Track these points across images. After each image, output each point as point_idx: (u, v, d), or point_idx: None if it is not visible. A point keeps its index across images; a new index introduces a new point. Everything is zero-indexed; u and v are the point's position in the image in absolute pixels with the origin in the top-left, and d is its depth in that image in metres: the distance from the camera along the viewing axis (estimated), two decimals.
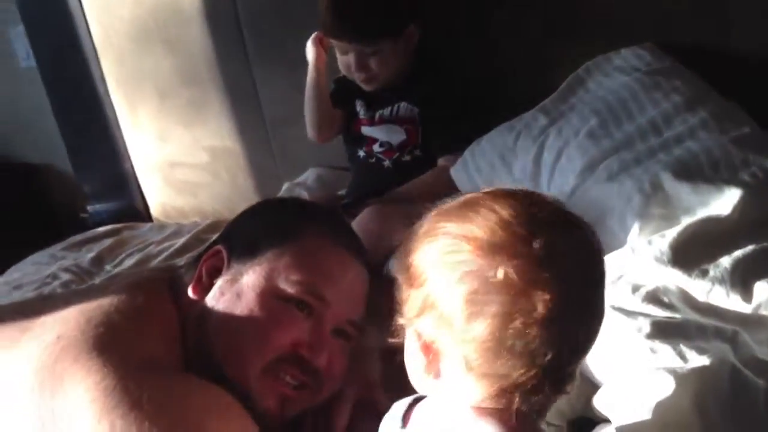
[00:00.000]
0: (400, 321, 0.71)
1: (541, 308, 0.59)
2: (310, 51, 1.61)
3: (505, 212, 0.63)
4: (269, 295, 0.96)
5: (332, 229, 1.05)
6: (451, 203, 0.69)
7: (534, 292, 0.59)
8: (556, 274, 0.60)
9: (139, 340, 0.92)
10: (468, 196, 0.68)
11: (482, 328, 0.60)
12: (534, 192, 0.68)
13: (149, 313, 0.97)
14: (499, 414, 0.64)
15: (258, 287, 0.96)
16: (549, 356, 0.60)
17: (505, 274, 0.60)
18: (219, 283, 1.00)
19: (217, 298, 0.98)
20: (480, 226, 0.63)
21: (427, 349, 0.66)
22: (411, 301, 0.68)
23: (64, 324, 0.91)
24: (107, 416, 0.81)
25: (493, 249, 0.61)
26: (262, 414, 0.91)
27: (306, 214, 1.09)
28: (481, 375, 0.63)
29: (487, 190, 0.68)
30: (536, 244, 0.60)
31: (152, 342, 0.93)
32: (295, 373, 0.94)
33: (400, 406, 0.77)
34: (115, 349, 0.88)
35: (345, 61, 1.55)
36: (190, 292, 1.00)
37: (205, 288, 1.00)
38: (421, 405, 0.75)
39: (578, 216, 0.66)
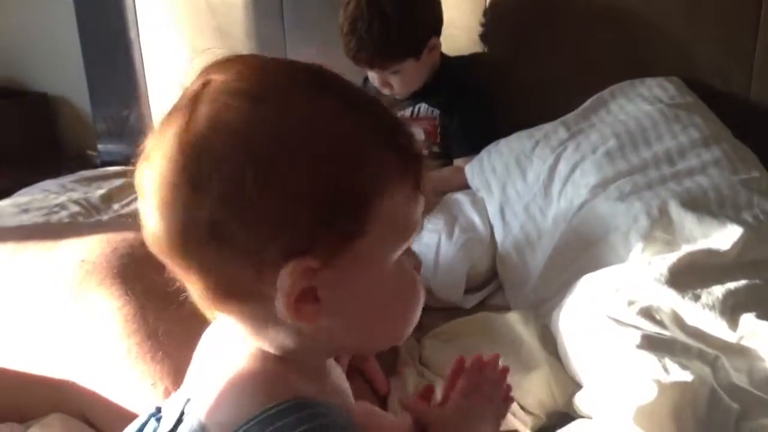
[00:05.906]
0: None
1: None
2: None
3: None
4: None
5: None
6: None
7: None
8: None
9: (160, 275, 0.96)
10: None
11: None
12: None
13: None
14: None
15: None
16: None
17: None
18: None
19: None
20: None
21: None
22: None
23: (88, 249, 0.94)
24: (125, 340, 0.85)
25: None
26: None
27: None
28: None
29: None
30: None
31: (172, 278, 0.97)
32: None
33: None
34: (138, 280, 0.91)
35: (369, 73, 1.56)
36: None
37: None
38: None
39: None
